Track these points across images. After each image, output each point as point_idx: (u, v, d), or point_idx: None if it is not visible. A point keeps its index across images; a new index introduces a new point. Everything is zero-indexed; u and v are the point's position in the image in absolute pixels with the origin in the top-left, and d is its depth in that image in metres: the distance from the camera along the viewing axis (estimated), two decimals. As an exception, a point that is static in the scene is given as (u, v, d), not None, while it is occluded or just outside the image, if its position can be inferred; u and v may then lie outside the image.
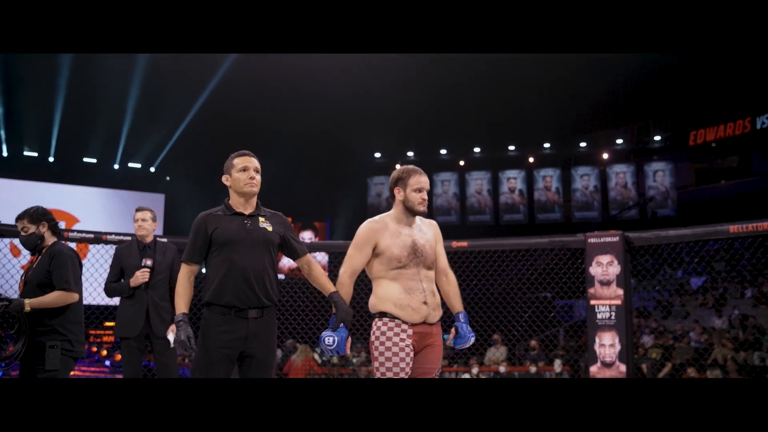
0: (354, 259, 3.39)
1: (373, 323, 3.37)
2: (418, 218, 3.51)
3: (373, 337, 3.34)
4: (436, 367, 3.40)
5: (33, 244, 3.97)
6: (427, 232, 3.49)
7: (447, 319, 3.59)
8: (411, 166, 3.47)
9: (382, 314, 3.34)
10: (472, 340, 3.50)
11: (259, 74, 17.42)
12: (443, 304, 3.53)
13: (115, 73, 17.12)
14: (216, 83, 18.31)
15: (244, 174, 3.31)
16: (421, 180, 3.41)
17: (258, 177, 3.35)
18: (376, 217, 3.49)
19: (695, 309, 13.23)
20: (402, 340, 3.28)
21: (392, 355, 3.26)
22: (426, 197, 3.43)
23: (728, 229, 5.29)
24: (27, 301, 3.73)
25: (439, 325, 3.45)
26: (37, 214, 3.97)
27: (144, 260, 4.84)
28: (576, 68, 16.76)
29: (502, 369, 9.75)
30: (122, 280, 4.90)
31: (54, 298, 3.80)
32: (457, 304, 3.55)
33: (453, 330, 3.51)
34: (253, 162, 3.35)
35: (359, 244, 3.39)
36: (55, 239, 4.01)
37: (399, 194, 3.43)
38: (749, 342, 9.89)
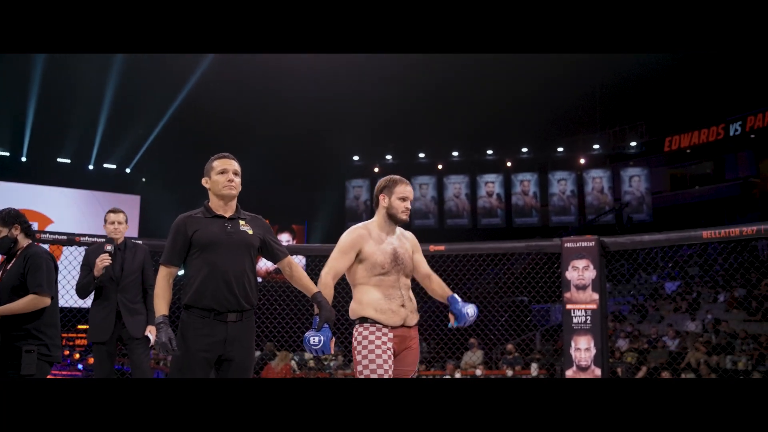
0: (337, 262, 3.44)
1: (354, 329, 3.43)
2: (397, 228, 3.60)
3: (354, 342, 3.39)
4: (413, 369, 3.48)
5: (6, 247, 3.85)
6: (405, 242, 3.58)
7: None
8: (397, 176, 3.56)
9: (363, 319, 3.40)
10: (471, 311, 3.54)
11: (236, 75, 17.32)
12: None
13: (90, 72, 16.88)
14: (193, 84, 18.16)
15: (223, 177, 3.28)
16: (407, 189, 3.50)
17: (237, 180, 3.32)
18: (361, 224, 3.56)
19: (669, 313, 13.40)
20: (384, 343, 3.35)
21: (375, 357, 3.32)
22: (409, 207, 3.52)
23: (702, 234, 5.35)
24: None
25: (416, 329, 3.52)
26: (9, 217, 3.85)
27: (105, 245, 4.70)
28: (553, 74, 16.91)
29: (478, 372, 9.78)
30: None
31: (25, 303, 3.69)
32: (445, 291, 3.63)
33: (450, 316, 3.59)
34: (233, 164, 3.32)
35: (344, 248, 3.44)
36: (29, 241, 3.91)
37: (384, 201, 3.50)
38: (722, 346, 10.04)
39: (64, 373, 13.95)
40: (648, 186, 20.74)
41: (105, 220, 4.87)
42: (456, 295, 3.60)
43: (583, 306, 5.53)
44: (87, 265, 4.78)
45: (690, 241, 5.63)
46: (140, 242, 5.17)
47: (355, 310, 3.44)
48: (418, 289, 3.66)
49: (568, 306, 5.58)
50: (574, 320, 5.55)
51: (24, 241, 3.89)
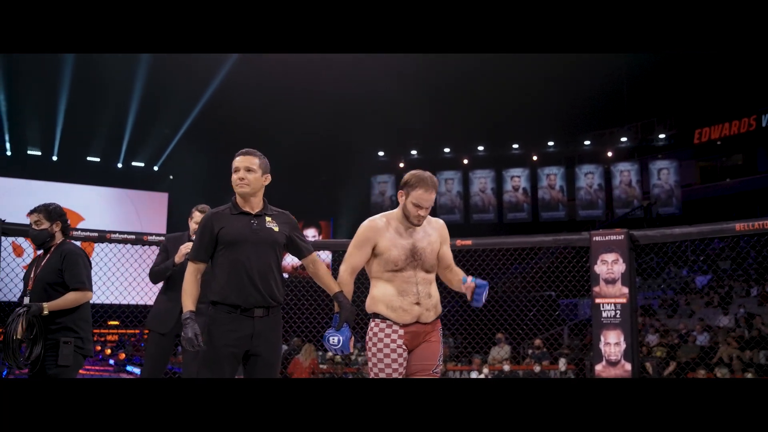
0: (354, 258, 3.35)
1: (370, 321, 3.39)
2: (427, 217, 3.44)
3: (367, 338, 3.37)
4: (432, 364, 3.35)
5: (42, 240, 3.94)
6: (431, 233, 3.40)
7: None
8: (424, 177, 3.30)
9: (375, 315, 3.35)
10: (486, 294, 3.22)
11: (262, 73, 17.42)
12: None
13: (118, 72, 17.14)
14: (219, 82, 18.32)
15: (235, 175, 3.29)
16: (423, 197, 3.27)
17: (250, 176, 3.28)
18: (379, 216, 3.42)
19: (700, 308, 13.20)
20: (393, 341, 3.28)
21: (384, 356, 3.27)
22: (424, 213, 3.31)
23: (734, 227, 5.24)
24: (45, 305, 3.72)
25: (436, 323, 3.40)
26: (55, 213, 3.97)
27: (192, 235, 4.58)
28: (579, 66, 16.73)
29: (506, 368, 9.72)
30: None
31: (71, 299, 3.80)
32: (462, 276, 3.34)
33: (468, 287, 3.24)
34: (244, 161, 3.29)
35: (359, 243, 3.34)
36: (63, 238, 4.01)
37: (401, 198, 3.34)
38: (755, 340, 9.85)
39: (96, 368, 14.20)
40: (677, 179, 20.42)
41: (191, 216, 4.76)
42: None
43: (612, 300, 5.46)
44: (165, 251, 4.71)
45: (722, 234, 5.52)
46: None
47: (368, 304, 3.38)
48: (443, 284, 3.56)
49: (597, 300, 5.52)
50: (604, 314, 5.48)
51: (59, 238, 3.99)
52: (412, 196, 3.27)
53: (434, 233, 3.42)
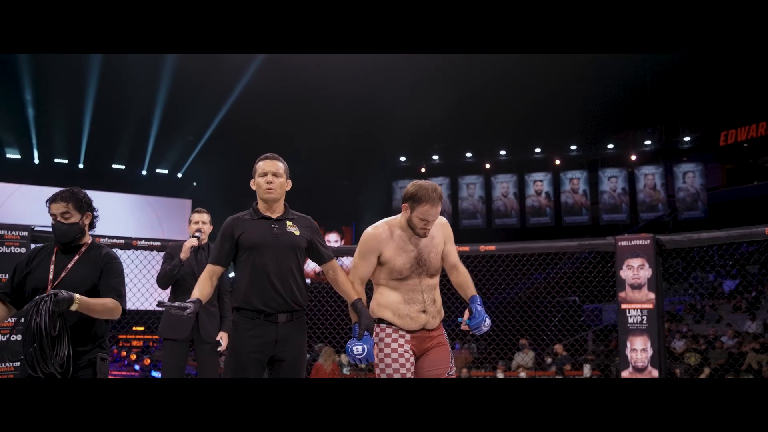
0: (360, 270, 3.32)
1: (375, 327, 3.33)
2: None
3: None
4: (445, 368, 3.33)
5: (72, 237, 3.10)
6: (435, 235, 3.35)
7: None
8: (429, 192, 3.19)
9: (381, 321, 3.32)
10: (488, 322, 3.33)
11: (283, 80, 17.54)
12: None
13: (142, 81, 17.39)
14: (241, 89, 18.49)
15: (263, 179, 3.27)
16: (429, 212, 3.19)
17: (278, 181, 3.28)
18: (381, 224, 3.36)
19: (728, 313, 12.98)
20: (401, 345, 3.27)
21: (392, 362, 3.26)
22: (431, 226, 3.26)
23: (764, 231, 5.15)
24: (77, 297, 2.88)
25: (440, 328, 3.40)
26: (85, 203, 3.14)
27: (195, 231, 4.66)
28: (602, 69, 16.60)
29: (522, 375, 9.58)
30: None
31: (105, 305, 3.02)
32: (469, 290, 3.42)
33: (467, 311, 3.37)
34: (272, 166, 3.29)
35: (364, 253, 3.30)
36: (91, 238, 3.24)
37: (405, 211, 3.26)
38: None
39: (122, 373, 14.32)
40: (703, 182, 20.14)
41: (189, 221, 4.83)
42: (480, 297, 3.41)
43: (638, 305, 5.39)
44: (170, 258, 4.70)
45: (751, 238, 5.41)
46: None
47: (373, 310, 3.34)
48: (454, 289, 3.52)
49: (623, 306, 5.45)
50: (630, 320, 5.41)
51: (87, 236, 3.20)
52: (418, 211, 3.19)
53: (438, 234, 3.37)
